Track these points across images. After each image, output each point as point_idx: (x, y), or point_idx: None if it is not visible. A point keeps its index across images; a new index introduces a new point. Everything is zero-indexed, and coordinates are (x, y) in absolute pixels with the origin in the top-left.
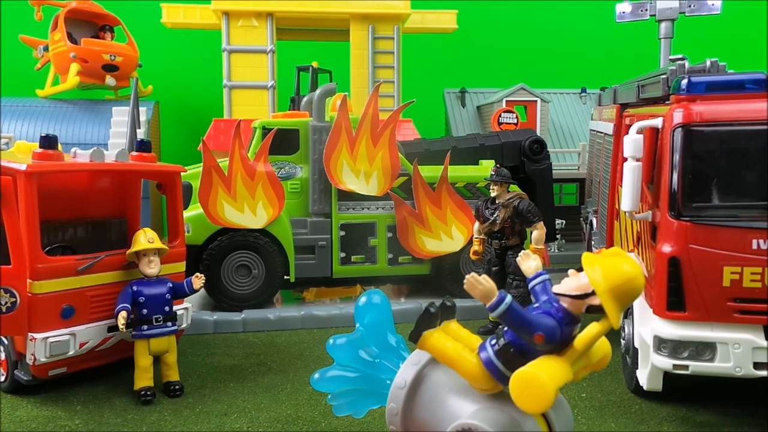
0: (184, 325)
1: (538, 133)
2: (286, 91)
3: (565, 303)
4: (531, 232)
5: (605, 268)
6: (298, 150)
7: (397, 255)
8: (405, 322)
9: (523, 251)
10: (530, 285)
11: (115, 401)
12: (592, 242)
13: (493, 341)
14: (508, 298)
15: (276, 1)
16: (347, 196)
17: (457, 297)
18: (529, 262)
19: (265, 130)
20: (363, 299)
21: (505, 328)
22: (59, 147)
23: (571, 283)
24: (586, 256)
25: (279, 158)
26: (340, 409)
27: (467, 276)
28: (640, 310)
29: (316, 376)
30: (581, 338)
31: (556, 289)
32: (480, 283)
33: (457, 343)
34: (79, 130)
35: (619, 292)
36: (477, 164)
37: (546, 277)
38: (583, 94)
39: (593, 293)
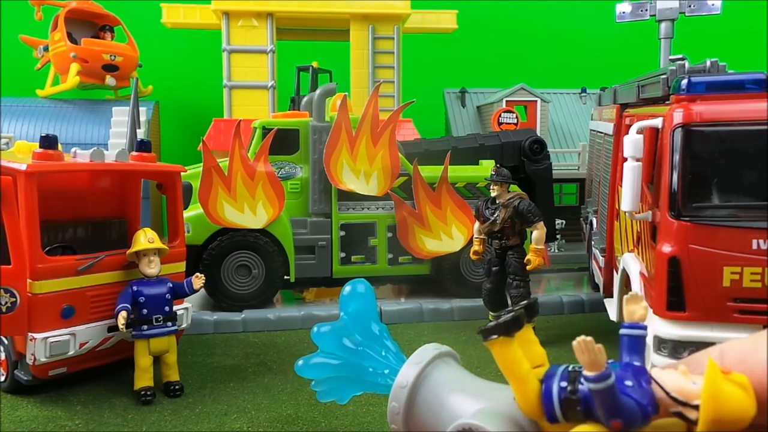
0: (184, 325)
1: (538, 133)
2: (286, 91)
3: (656, 391)
4: (531, 232)
5: (727, 399)
6: (298, 150)
7: (397, 255)
8: (405, 322)
9: (630, 293)
10: (623, 332)
11: (115, 401)
12: (592, 242)
13: (564, 384)
14: (612, 379)
15: (276, 1)
16: (347, 196)
17: (457, 297)
18: (633, 307)
19: (265, 130)
20: (348, 288)
21: (582, 382)
22: (59, 147)
23: (676, 380)
24: (712, 367)
25: (279, 158)
26: (323, 395)
27: (582, 339)
28: None
29: (300, 362)
30: None
31: (657, 376)
32: (593, 353)
33: (527, 362)
34: (79, 130)
35: (721, 424)
36: (477, 164)
37: (643, 333)
38: (583, 94)
39: (695, 407)
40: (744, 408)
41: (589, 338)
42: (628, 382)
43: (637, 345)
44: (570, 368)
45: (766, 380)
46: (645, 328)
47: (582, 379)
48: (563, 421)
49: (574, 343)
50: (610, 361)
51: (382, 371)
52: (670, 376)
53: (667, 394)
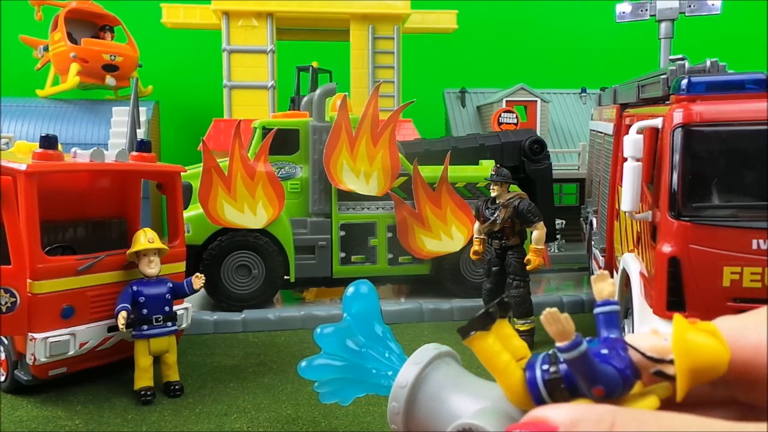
0: (184, 325)
1: (538, 133)
2: (286, 91)
3: (633, 356)
4: (531, 232)
5: (696, 347)
6: (298, 150)
7: (397, 255)
8: (405, 322)
9: (600, 271)
10: (596, 310)
11: (115, 401)
12: (592, 242)
13: (546, 366)
14: (584, 346)
15: (276, 1)
16: (347, 196)
17: (457, 297)
18: (601, 285)
19: (265, 130)
20: (350, 289)
21: (562, 362)
22: (59, 147)
23: (648, 341)
24: (678, 320)
25: (279, 158)
26: (326, 397)
27: (549, 310)
28: (640, 310)
29: (303, 364)
30: (635, 402)
31: (630, 340)
32: (560, 323)
33: (506, 353)
34: (79, 130)
35: (698, 373)
36: (477, 164)
37: (616, 308)
38: (583, 94)
39: (671, 362)
40: (716, 352)
41: (554, 309)
42: (605, 351)
43: (613, 320)
44: (550, 352)
45: (760, 359)
46: (617, 303)
47: (560, 361)
48: (550, 402)
49: (541, 317)
50: (588, 339)
51: (386, 372)
52: (643, 338)
53: (643, 354)
